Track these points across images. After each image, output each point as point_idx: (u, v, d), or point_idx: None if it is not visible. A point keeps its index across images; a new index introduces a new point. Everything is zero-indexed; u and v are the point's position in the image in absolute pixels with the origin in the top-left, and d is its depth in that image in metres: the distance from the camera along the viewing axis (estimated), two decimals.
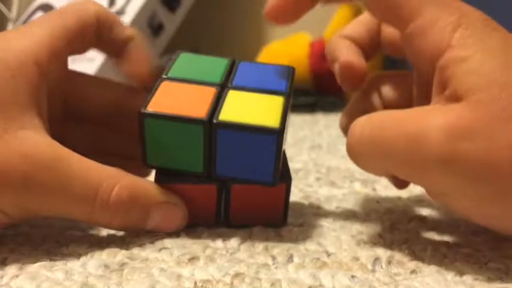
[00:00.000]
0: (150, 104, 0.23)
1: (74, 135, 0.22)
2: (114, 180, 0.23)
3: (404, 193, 0.32)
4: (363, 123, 0.23)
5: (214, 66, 0.26)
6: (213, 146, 0.23)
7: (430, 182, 0.21)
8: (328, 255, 0.23)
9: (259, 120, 0.23)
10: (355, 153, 0.23)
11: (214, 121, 0.23)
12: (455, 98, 0.20)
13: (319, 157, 0.42)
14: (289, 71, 0.26)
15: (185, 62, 0.27)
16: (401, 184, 0.28)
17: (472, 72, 0.20)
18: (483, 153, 0.19)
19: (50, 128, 0.24)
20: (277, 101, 0.24)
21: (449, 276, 0.21)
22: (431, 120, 0.20)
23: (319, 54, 0.68)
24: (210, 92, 0.24)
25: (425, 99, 0.23)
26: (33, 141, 0.22)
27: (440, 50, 0.21)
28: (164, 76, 0.25)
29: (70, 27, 0.25)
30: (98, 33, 0.26)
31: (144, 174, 0.28)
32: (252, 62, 0.28)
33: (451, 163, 0.20)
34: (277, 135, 0.22)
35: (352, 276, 0.21)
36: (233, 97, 0.24)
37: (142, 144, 0.24)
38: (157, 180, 0.24)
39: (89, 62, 0.65)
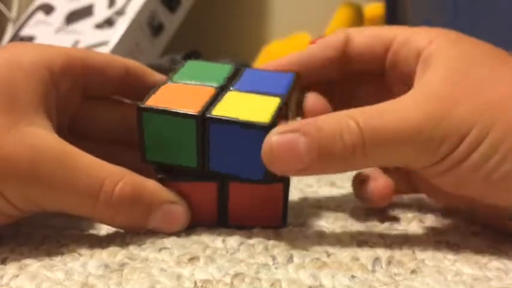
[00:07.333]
0: (149, 100, 0.24)
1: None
2: (119, 176, 0.23)
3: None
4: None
5: (219, 71, 0.27)
6: (206, 141, 0.24)
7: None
8: (328, 255, 0.23)
9: (250, 117, 0.23)
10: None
11: (207, 115, 0.23)
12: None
13: None
14: (293, 77, 0.27)
15: (191, 68, 0.28)
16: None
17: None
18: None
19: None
20: (273, 102, 0.25)
21: (449, 276, 0.21)
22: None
23: None
24: (208, 92, 0.25)
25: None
26: (41, 135, 0.23)
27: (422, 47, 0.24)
28: (167, 81, 0.26)
29: (90, 58, 0.27)
30: (125, 80, 0.28)
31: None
32: (258, 68, 0.28)
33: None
34: (265, 130, 0.23)
35: (352, 276, 0.21)
36: (231, 97, 0.25)
37: (141, 140, 0.25)
38: (157, 178, 0.25)
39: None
